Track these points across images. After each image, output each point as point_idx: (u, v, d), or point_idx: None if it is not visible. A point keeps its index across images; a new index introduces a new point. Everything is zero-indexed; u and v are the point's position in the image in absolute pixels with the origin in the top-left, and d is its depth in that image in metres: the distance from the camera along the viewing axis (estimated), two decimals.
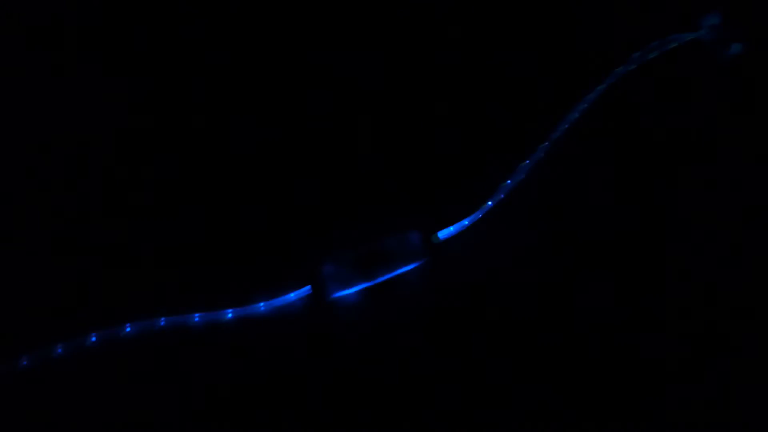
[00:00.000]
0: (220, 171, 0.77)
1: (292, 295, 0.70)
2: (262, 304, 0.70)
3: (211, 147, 0.78)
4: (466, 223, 0.74)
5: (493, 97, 0.81)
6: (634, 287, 0.71)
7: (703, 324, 0.69)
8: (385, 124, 0.80)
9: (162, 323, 0.69)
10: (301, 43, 0.84)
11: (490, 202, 0.75)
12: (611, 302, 0.70)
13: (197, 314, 0.69)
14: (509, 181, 0.76)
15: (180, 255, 0.72)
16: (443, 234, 0.73)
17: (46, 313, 0.69)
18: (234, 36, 0.84)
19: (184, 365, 0.68)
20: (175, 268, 0.72)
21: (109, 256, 0.72)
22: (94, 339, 0.68)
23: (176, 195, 0.75)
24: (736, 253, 0.72)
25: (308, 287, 0.71)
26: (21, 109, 0.79)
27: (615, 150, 0.78)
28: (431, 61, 0.83)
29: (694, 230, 0.74)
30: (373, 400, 0.66)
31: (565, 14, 0.85)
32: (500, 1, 0.87)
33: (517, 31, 0.85)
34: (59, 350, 0.67)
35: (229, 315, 0.70)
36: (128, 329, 0.68)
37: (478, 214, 0.74)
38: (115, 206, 0.75)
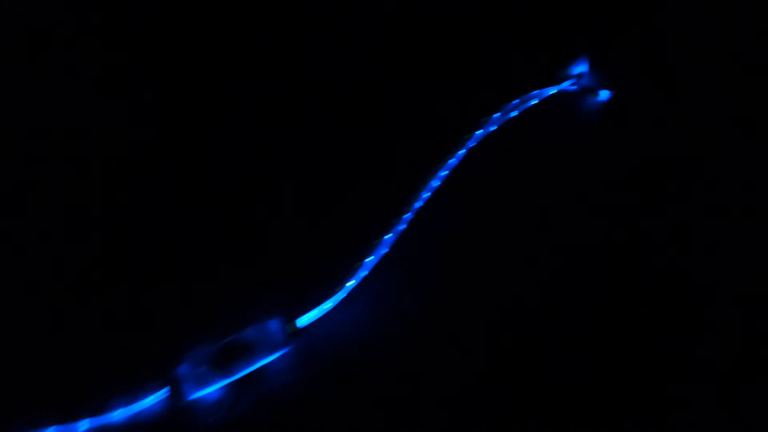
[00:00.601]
0: (65, 273, 0.74)
1: (149, 400, 0.68)
2: (117, 411, 0.68)
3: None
4: (330, 305, 0.72)
5: (350, 166, 0.79)
6: (505, 365, 0.69)
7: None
8: (236, 210, 0.78)
9: None
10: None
11: (353, 281, 0.73)
12: (483, 379, 0.68)
13: (51, 428, 0.67)
14: (373, 257, 0.73)
15: (27, 360, 0.69)
16: (305, 319, 0.71)
17: None
18: None
19: None
20: (23, 376, 0.69)
21: None
22: None
23: (19, 299, 0.73)
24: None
25: (165, 389, 0.68)
26: None
27: (479, 219, 0.76)
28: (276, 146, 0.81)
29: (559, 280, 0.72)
30: None
31: (419, 80, 0.84)
32: (347, 83, 0.84)
33: (365, 109, 0.83)
34: None
35: (85, 426, 0.67)
36: None
37: (342, 295, 0.72)
38: None
